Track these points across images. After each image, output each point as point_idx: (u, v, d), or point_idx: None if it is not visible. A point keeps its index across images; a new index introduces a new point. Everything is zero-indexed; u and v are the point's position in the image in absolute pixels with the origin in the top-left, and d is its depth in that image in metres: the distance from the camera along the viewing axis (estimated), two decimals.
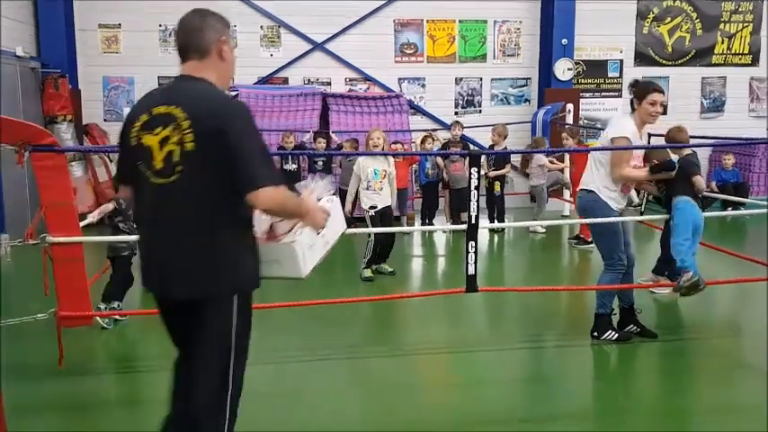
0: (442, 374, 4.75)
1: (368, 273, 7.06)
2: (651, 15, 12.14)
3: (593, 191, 4.96)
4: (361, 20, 11.29)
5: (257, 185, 2.39)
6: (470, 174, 4.84)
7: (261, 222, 2.81)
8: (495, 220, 9.51)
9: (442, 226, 9.73)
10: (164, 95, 2.61)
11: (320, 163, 9.42)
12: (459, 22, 11.60)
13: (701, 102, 12.45)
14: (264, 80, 11.16)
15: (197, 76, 2.61)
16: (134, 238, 5.53)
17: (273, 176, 2.45)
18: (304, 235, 2.83)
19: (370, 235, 7.11)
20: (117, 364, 4.92)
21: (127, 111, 8.71)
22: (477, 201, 4.83)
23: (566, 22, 11.34)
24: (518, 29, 11.78)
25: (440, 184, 9.70)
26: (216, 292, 2.53)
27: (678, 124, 6.51)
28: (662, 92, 4.98)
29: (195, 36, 2.65)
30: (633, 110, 5.03)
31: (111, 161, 10.05)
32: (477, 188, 4.83)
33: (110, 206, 5.64)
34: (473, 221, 4.84)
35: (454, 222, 9.54)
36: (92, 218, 5.45)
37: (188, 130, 2.43)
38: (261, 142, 2.51)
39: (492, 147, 9.66)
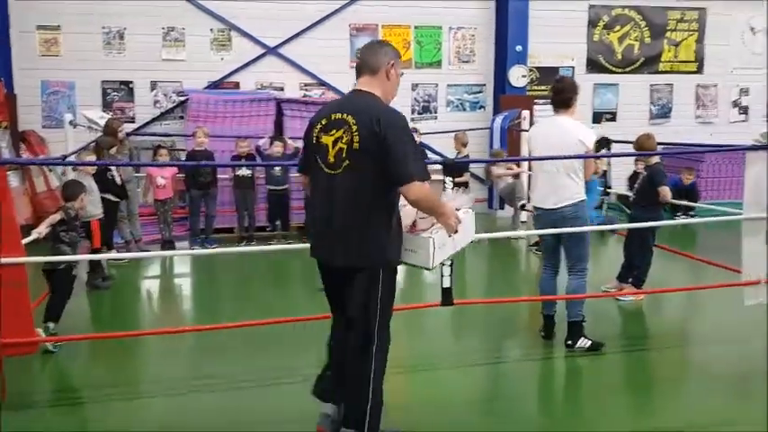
0: (413, 395, 4.53)
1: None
2: (601, 23, 12.28)
3: (583, 200, 4.92)
4: (316, 24, 11.05)
5: (409, 179, 3.06)
6: (445, 183, 4.68)
7: (407, 216, 3.40)
8: None
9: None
10: (340, 105, 3.34)
11: (277, 169, 9.11)
12: (415, 27, 11.48)
13: (650, 108, 12.64)
14: (215, 84, 10.79)
15: (366, 90, 3.27)
16: (71, 258, 5.20)
17: (422, 173, 3.12)
18: (439, 234, 3.32)
19: None
20: (63, 395, 4.52)
21: (68, 117, 8.39)
22: None
23: (520, 29, 11.36)
24: (473, 35, 11.72)
25: None
26: (368, 263, 3.19)
27: (647, 131, 6.52)
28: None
29: (371, 57, 3.33)
30: (565, 108, 5.00)
31: (50, 171, 9.51)
32: None
33: (57, 216, 5.29)
34: None
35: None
36: (37, 233, 5.06)
37: (356, 133, 3.10)
38: (414, 145, 3.21)
39: (456, 155, 9.56)
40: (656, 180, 6.08)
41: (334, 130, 3.17)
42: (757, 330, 5.20)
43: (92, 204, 6.44)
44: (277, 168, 9.11)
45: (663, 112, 12.58)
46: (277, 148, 9.08)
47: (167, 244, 8.80)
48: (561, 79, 5.19)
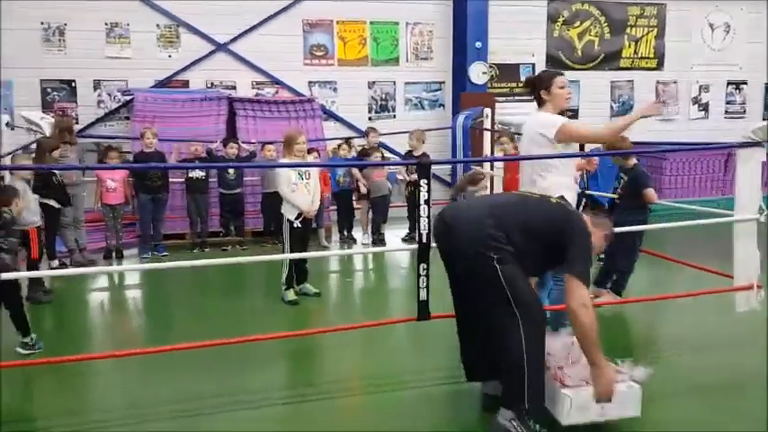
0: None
1: (291, 295, 6.37)
2: (561, 19, 12.09)
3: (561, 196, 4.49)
4: (268, 20, 10.55)
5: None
6: (419, 186, 4.30)
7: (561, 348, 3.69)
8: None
9: (396, 246, 9.09)
10: None
11: (231, 172, 8.62)
12: (371, 23, 11.09)
13: (611, 105, 12.51)
14: (163, 83, 10.21)
15: None
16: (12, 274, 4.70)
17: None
18: (581, 394, 3.47)
19: (283, 249, 6.44)
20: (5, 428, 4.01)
21: (5, 118, 7.73)
22: (429, 217, 4.29)
23: (479, 26, 11.05)
24: (430, 31, 11.39)
25: (353, 193, 9.11)
26: None
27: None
28: (563, 74, 4.77)
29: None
30: (541, 104, 4.70)
31: None
32: (427, 202, 4.30)
33: None
34: (424, 241, 4.29)
35: (374, 235, 9.00)
36: None
37: None
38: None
39: (410, 153, 9.21)
40: (640, 182, 5.87)
41: None
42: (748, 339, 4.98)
43: (28, 211, 5.88)
44: (231, 171, 8.63)
45: (624, 109, 12.44)
46: (231, 150, 8.61)
47: (116, 252, 8.26)
48: (532, 78, 4.88)
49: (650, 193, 5.76)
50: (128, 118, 10.07)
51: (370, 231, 9.06)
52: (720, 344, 5.11)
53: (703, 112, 13.09)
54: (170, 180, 8.59)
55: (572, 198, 4.52)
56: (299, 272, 6.51)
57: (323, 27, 10.88)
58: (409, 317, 4.47)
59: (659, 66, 12.73)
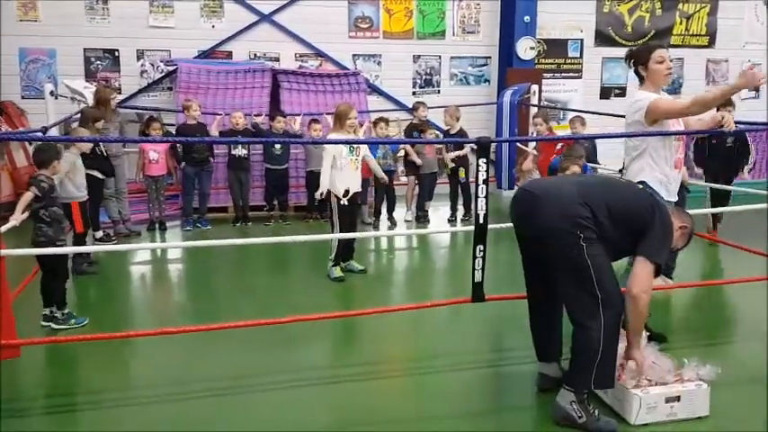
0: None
1: (337, 272, 6.30)
2: None
3: (642, 181, 4.16)
4: None
5: None
6: (478, 166, 4.15)
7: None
8: (463, 210, 8.90)
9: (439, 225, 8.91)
10: None
11: (277, 147, 8.52)
12: None
13: None
14: (206, 54, 10.12)
15: None
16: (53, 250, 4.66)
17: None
18: (651, 394, 3.47)
19: (333, 227, 6.34)
20: (53, 401, 3.98)
21: (49, 87, 7.72)
22: (486, 198, 4.14)
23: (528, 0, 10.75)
24: (478, 4, 11.11)
25: (393, 174, 8.88)
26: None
27: None
28: (664, 47, 4.36)
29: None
30: (642, 81, 4.39)
31: (30, 145, 8.85)
32: (485, 182, 4.15)
33: (29, 195, 4.70)
34: (481, 222, 4.15)
35: (419, 212, 8.87)
36: (15, 221, 4.48)
37: None
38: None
39: (448, 131, 9.00)
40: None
41: None
42: None
43: (73, 185, 5.76)
44: (277, 146, 8.52)
45: (673, 88, 12.04)
46: (279, 124, 8.50)
47: (159, 224, 8.26)
48: (629, 53, 4.51)
49: None
50: (170, 89, 10.02)
51: (414, 208, 8.91)
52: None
53: (754, 92, 12.62)
54: (214, 152, 8.54)
55: (663, 191, 4.17)
56: (345, 249, 6.43)
57: None
58: (463, 298, 4.33)
59: (711, 43, 12.31)
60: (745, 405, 3.79)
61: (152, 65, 10.08)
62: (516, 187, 8.71)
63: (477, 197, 4.15)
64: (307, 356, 4.50)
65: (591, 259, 3.32)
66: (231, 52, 10.29)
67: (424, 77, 11.07)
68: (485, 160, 4.16)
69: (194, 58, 9.98)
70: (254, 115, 8.70)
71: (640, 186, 3.72)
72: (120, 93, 9.59)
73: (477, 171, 4.13)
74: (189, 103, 8.29)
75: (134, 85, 10.06)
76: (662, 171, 4.20)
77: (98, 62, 9.97)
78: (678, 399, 3.50)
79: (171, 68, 9.89)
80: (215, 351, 4.50)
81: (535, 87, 9.88)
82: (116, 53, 9.99)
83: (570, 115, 9.61)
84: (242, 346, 4.54)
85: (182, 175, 8.45)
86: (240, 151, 8.46)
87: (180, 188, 8.70)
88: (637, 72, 4.36)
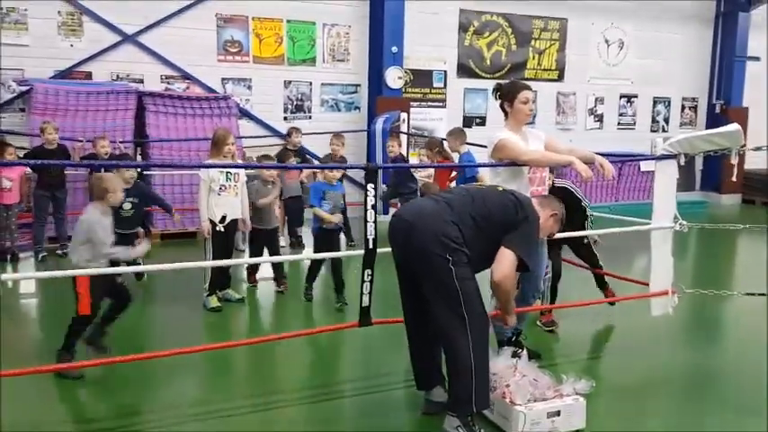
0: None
1: (213, 301, 6.10)
2: (472, 29, 12.33)
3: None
4: (180, 12, 10.12)
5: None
6: (366, 191, 4.21)
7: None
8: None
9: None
10: None
11: (126, 207, 7.54)
12: (287, 21, 10.87)
13: None
14: (64, 74, 9.57)
15: None
16: None
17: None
18: (534, 410, 3.64)
19: (205, 253, 6.15)
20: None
21: None
22: (375, 223, 4.21)
23: (395, 30, 11.09)
24: (347, 33, 11.32)
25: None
26: None
27: None
28: (530, 89, 4.56)
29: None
30: (506, 116, 4.59)
31: None
32: (374, 207, 4.22)
33: None
34: (371, 246, 4.21)
35: (292, 237, 8.79)
36: None
37: None
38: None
39: (329, 156, 9.05)
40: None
41: None
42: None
43: None
44: (126, 207, 8.01)
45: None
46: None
47: (11, 256, 7.65)
48: (499, 87, 4.66)
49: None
50: (23, 110, 9.37)
51: (286, 234, 8.85)
52: (635, 346, 5.31)
53: (598, 123, 13.76)
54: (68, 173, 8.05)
55: None
56: (221, 277, 6.25)
57: (238, 23, 10.56)
58: (350, 323, 4.35)
59: (560, 77, 13.27)
60: (617, 414, 4.08)
61: (3, 84, 9.37)
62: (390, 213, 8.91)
63: (366, 222, 4.21)
64: (181, 392, 4.31)
65: (459, 282, 3.47)
66: (91, 72, 9.79)
67: (295, 103, 11.08)
68: (372, 186, 4.24)
69: (50, 78, 9.40)
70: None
71: (500, 189, 3.87)
72: None
73: (366, 196, 4.19)
74: (45, 125, 7.77)
75: None
76: None
77: None
78: (558, 413, 3.68)
79: (24, 88, 9.25)
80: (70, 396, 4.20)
81: (404, 115, 10.18)
82: None
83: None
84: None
85: (33, 201, 7.87)
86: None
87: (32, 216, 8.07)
88: (502, 106, 4.58)
